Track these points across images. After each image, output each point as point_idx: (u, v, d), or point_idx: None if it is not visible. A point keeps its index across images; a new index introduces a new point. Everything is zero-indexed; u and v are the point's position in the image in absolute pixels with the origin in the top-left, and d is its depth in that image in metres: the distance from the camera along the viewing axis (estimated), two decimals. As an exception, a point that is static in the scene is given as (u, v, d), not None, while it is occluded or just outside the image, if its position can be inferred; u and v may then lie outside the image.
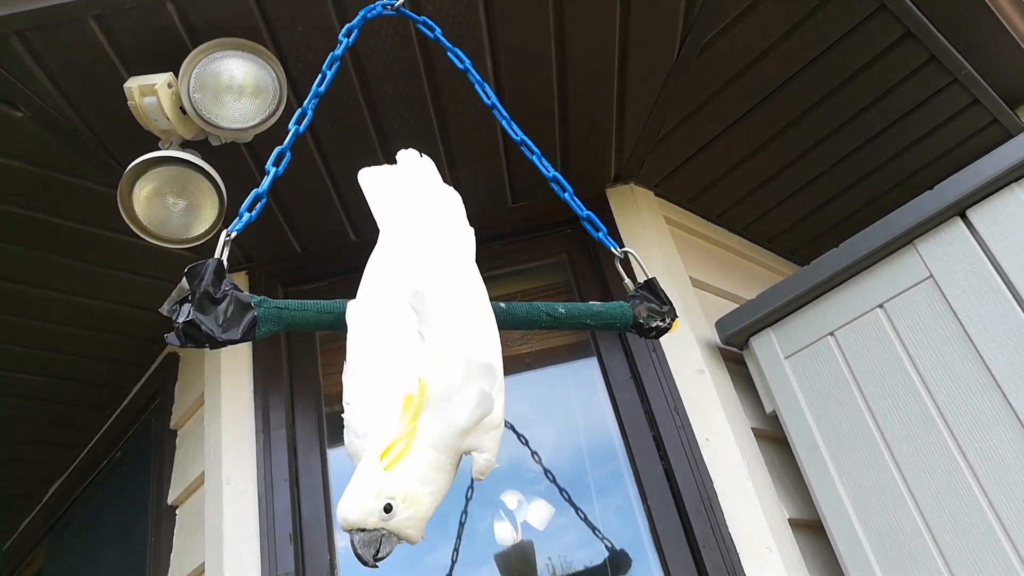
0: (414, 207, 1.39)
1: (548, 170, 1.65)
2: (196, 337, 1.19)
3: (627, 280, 1.62)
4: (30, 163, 2.08)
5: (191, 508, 2.46)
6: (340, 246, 2.57)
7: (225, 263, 1.27)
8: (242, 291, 1.25)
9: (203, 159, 1.83)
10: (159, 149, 1.80)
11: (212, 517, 2.25)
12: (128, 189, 1.78)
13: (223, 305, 1.21)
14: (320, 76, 1.55)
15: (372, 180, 1.44)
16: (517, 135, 1.67)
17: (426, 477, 1.09)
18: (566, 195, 1.64)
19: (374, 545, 1.06)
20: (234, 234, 1.34)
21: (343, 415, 1.19)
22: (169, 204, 1.82)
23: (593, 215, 1.65)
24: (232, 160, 2.09)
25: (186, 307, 1.20)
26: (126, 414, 3.05)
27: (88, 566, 3.12)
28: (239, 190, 1.92)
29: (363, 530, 1.05)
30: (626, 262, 1.65)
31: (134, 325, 2.74)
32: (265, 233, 2.48)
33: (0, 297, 2.47)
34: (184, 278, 1.23)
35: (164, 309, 1.22)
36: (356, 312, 1.25)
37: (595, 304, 1.53)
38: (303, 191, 2.35)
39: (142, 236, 1.85)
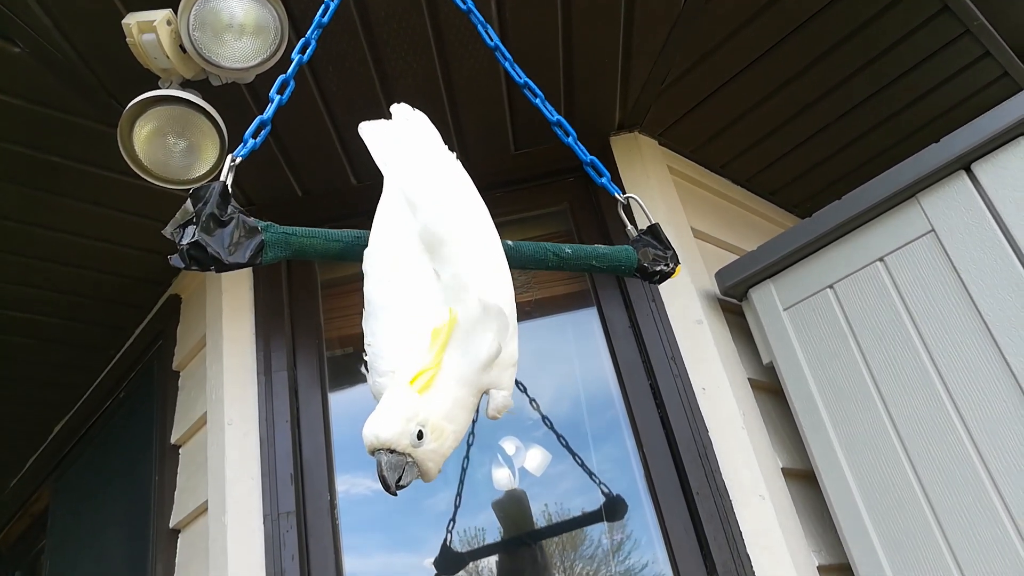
0: (419, 155, 1.39)
1: (552, 114, 1.64)
2: (201, 259, 1.18)
3: (630, 226, 1.62)
4: (29, 101, 2.06)
5: (194, 448, 2.50)
6: (341, 190, 2.56)
7: (230, 187, 1.26)
8: (254, 218, 1.24)
9: (204, 99, 1.81)
10: (159, 88, 1.79)
11: (214, 457, 2.29)
12: (128, 128, 1.76)
13: (230, 228, 1.20)
14: (323, 7, 1.53)
15: (373, 132, 1.44)
16: (520, 78, 1.66)
17: (451, 414, 1.11)
18: (569, 140, 1.63)
19: (399, 470, 1.06)
20: (239, 159, 1.33)
21: (365, 356, 1.19)
22: (170, 144, 1.81)
23: (597, 161, 1.65)
24: (234, 101, 2.07)
25: (191, 229, 1.18)
26: (129, 355, 3.08)
27: (93, 504, 3.18)
28: (241, 131, 1.91)
29: (392, 451, 1.05)
30: (629, 208, 1.65)
31: (136, 266, 2.75)
32: (266, 176, 2.47)
33: (1, 235, 2.47)
34: (188, 200, 1.21)
35: (167, 231, 1.20)
36: (372, 258, 1.26)
37: (601, 247, 1.54)
38: (305, 134, 2.33)
39: (143, 176, 1.84)
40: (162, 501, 2.54)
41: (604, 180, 1.64)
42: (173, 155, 1.83)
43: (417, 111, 1.49)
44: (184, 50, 1.73)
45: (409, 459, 1.06)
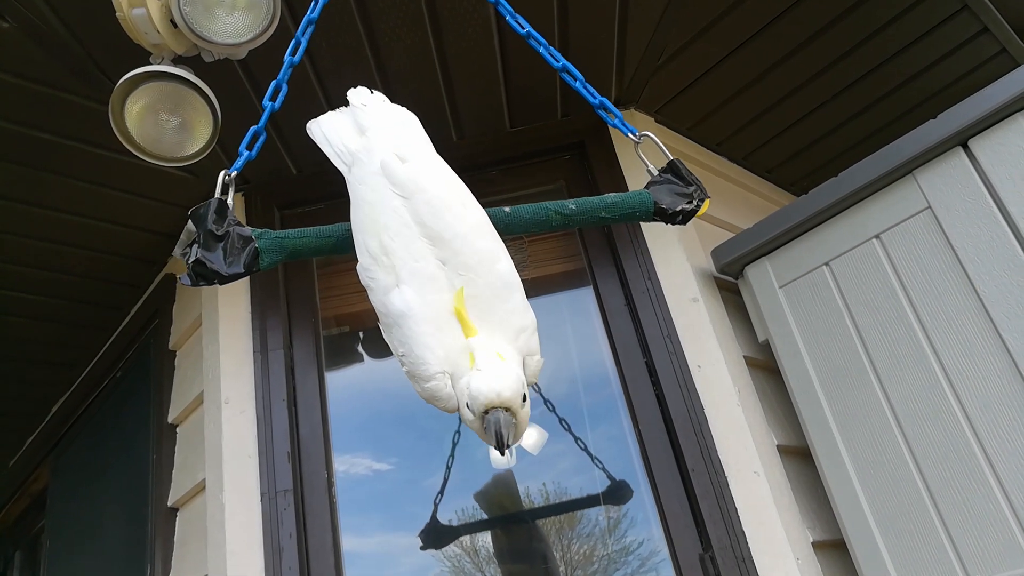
0: (393, 142, 1.37)
1: (556, 59, 1.59)
2: (205, 275, 1.25)
3: (649, 166, 1.56)
4: (19, 77, 2.04)
5: (191, 427, 2.50)
6: (335, 168, 2.54)
7: (229, 201, 1.32)
8: (244, 226, 1.30)
9: (196, 75, 1.79)
10: (151, 64, 1.76)
11: (211, 436, 2.30)
12: (119, 105, 1.74)
13: (226, 242, 1.27)
14: (312, 3, 1.52)
15: (323, 130, 1.44)
16: (558, 61, 1.60)
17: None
18: (577, 84, 1.58)
19: (510, 428, 1.12)
20: (234, 173, 1.37)
21: (403, 368, 1.22)
22: (162, 121, 1.79)
23: (607, 101, 1.60)
24: (226, 77, 2.05)
25: (194, 248, 1.26)
26: (125, 334, 3.08)
27: (91, 482, 3.20)
28: (233, 107, 1.90)
29: (508, 410, 1.11)
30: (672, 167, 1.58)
31: (130, 245, 2.73)
32: (261, 156, 2.43)
33: (-6, 215, 2.46)
34: (189, 220, 1.29)
35: (176, 253, 1.30)
36: (369, 271, 1.26)
37: (610, 195, 1.48)
38: (299, 113, 2.27)
39: (136, 154, 1.83)
40: (160, 480, 2.55)
41: (616, 121, 1.59)
42: (165, 132, 1.81)
43: (376, 93, 1.47)
44: (175, 25, 1.70)
45: (513, 420, 1.12)
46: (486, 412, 1.10)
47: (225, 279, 1.26)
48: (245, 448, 2.22)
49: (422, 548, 2.27)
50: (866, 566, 1.87)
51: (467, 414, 1.14)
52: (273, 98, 1.44)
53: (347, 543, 2.18)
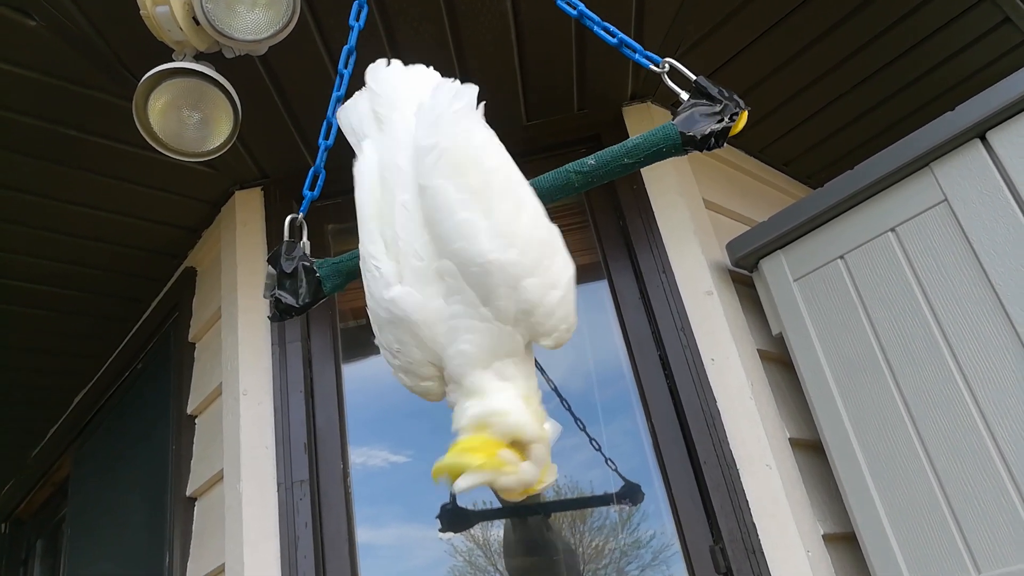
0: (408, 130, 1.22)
1: (613, 35, 1.54)
2: (283, 310, 1.38)
3: (681, 92, 1.42)
4: (45, 74, 2.08)
5: (209, 418, 2.54)
6: (354, 162, 2.56)
7: (305, 242, 1.43)
8: (310, 259, 1.40)
9: (217, 71, 1.82)
10: (173, 61, 1.80)
11: (229, 427, 2.33)
12: (143, 101, 1.78)
13: (296, 277, 1.38)
14: (345, 51, 1.55)
15: (347, 118, 1.36)
16: (614, 37, 1.54)
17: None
18: (637, 55, 1.51)
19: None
20: (301, 216, 1.48)
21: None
22: (184, 117, 1.82)
23: (625, 37, 1.53)
24: (246, 73, 2.08)
25: (273, 287, 1.40)
26: (146, 327, 3.12)
27: (112, 473, 3.25)
28: (253, 103, 1.93)
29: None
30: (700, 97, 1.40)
31: (152, 239, 2.78)
32: (279, 149, 2.49)
33: (19, 209, 2.51)
34: (267, 263, 1.42)
35: (265, 296, 1.41)
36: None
37: (631, 139, 1.36)
38: (316, 106, 2.32)
39: (158, 149, 1.86)
40: (179, 470, 2.59)
41: (637, 55, 1.50)
42: (187, 127, 1.85)
43: (395, 62, 1.35)
44: (197, 22, 1.73)
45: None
46: None
47: (299, 311, 1.37)
48: (262, 439, 2.25)
49: (441, 531, 2.29)
50: (877, 559, 1.88)
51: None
52: (327, 136, 1.50)
53: (361, 533, 2.21)
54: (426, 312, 1.06)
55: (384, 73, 1.32)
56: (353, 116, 1.33)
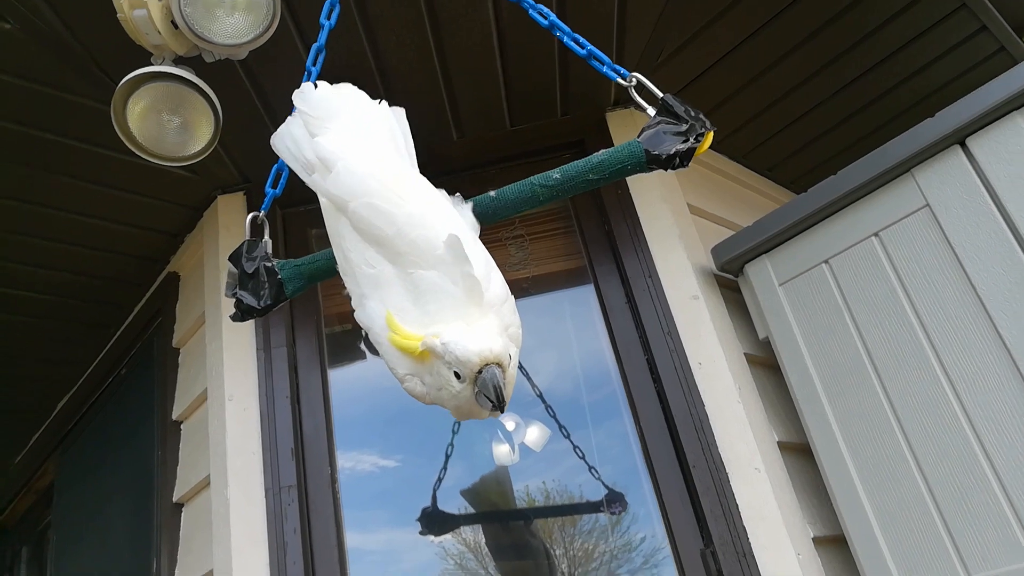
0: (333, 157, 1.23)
1: (583, 46, 1.49)
2: (244, 311, 1.36)
3: (647, 108, 1.42)
4: (22, 78, 2.06)
5: (195, 423, 2.52)
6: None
7: (267, 241, 1.42)
8: (271, 261, 1.38)
9: (198, 76, 1.81)
10: (152, 65, 1.78)
11: (215, 432, 2.31)
12: (121, 105, 1.75)
13: (257, 278, 1.37)
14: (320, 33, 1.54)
15: (284, 144, 1.33)
16: (583, 48, 1.49)
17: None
18: (605, 68, 1.49)
19: (503, 385, 1.07)
20: (262, 214, 1.46)
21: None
22: (164, 121, 1.80)
23: (595, 49, 1.50)
24: (227, 77, 2.06)
25: (235, 287, 1.38)
26: (129, 332, 3.10)
27: (97, 479, 3.22)
28: (234, 107, 1.91)
29: (499, 366, 1.06)
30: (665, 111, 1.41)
31: (133, 244, 2.76)
32: (261, 154, 2.45)
33: (-1, 214, 2.48)
34: (229, 263, 1.39)
35: (227, 294, 1.39)
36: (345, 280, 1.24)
37: (596, 154, 1.36)
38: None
39: (138, 153, 1.84)
40: (165, 476, 2.57)
41: (605, 68, 1.48)
42: (168, 132, 1.83)
43: (322, 83, 1.33)
44: (176, 26, 1.71)
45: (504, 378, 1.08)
46: (479, 372, 1.05)
47: (261, 312, 1.35)
48: (249, 444, 2.24)
49: (421, 533, 2.28)
50: (866, 561, 1.88)
51: (454, 387, 1.08)
52: (274, 185, 1.55)
53: (350, 538, 2.20)
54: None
55: (313, 95, 1.31)
56: (288, 140, 1.32)
